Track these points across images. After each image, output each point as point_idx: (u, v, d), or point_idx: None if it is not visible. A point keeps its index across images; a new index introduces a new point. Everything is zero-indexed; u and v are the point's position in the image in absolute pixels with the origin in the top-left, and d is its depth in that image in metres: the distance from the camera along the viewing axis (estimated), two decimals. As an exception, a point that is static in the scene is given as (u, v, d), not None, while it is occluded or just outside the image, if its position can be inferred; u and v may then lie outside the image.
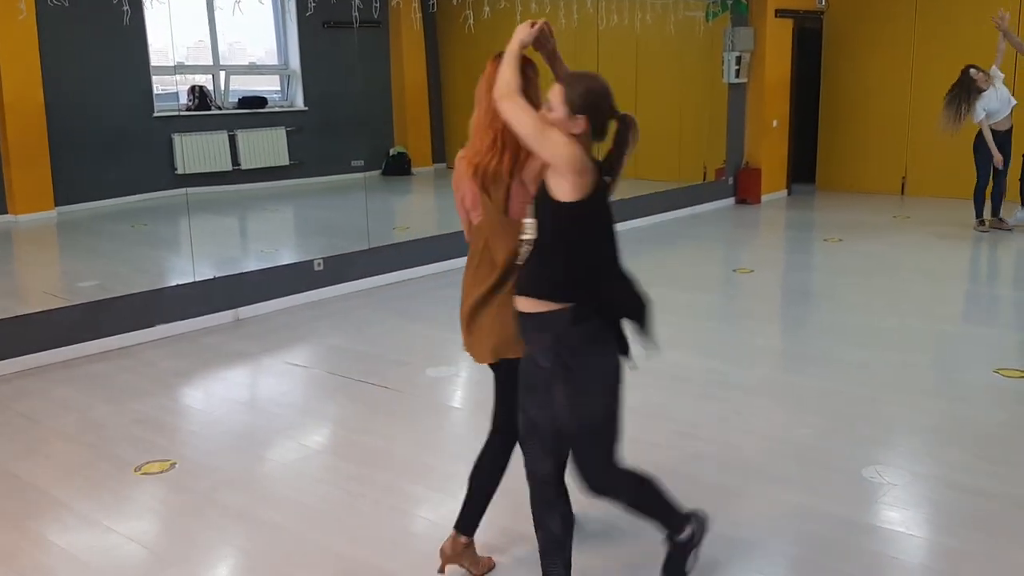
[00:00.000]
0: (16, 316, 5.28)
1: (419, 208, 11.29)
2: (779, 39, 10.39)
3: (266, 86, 11.89)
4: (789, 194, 11.08)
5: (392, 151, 12.00)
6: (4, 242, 8.65)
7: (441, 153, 12.30)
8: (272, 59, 11.78)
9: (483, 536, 2.98)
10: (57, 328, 5.28)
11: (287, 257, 7.67)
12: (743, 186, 10.59)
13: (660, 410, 4.33)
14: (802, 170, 11.33)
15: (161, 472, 3.79)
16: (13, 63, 8.65)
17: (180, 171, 10.04)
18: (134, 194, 9.83)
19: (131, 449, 4.03)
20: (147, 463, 3.87)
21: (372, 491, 3.53)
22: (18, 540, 3.26)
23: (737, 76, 10.20)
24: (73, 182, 9.25)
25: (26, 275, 7.72)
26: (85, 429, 4.30)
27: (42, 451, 4.11)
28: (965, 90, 8.09)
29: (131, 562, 3.12)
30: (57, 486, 3.69)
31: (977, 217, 8.51)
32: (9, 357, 5.07)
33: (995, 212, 8.49)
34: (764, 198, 10.60)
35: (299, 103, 11.57)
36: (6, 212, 8.77)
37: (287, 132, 11.30)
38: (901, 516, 3.30)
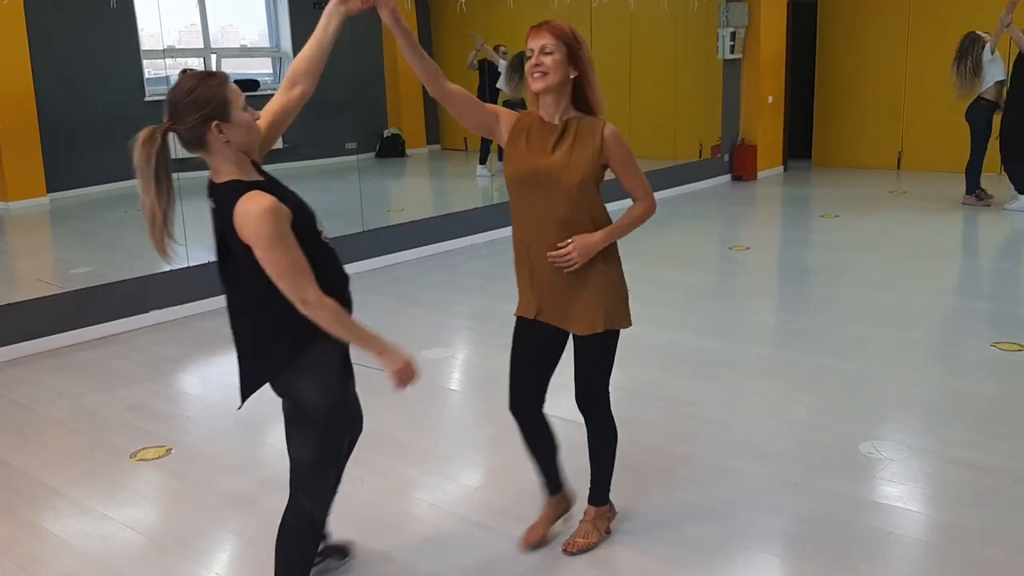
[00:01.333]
0: (8, 304, 5.25)
1: (413, 190, 11.24)
2: (774, 15, 10.32)
3: (258, 68, 11.80)
4: (785, 170, 11.05)
5: (386, 133, 11.93)
6: (-4, 230, 8.61)
7: (435, 134, 12.23)
8: (264, 42, 11.69)
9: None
10: (50, 315, 5.25)
11: (281, 241, 7.61)
12: (739, 163, 10.55)
13: (655, 389, 4.32)
14: (798, 146, 11.30)
15: (156, 458, 3.78)
16: (0, 48, 8.56)
17: (172, 155, 9.97)
18: (127, 180, 9.72)
19: (126, 436, 4.01)
20: (142, 450, 3.85)
21: (369, 474, 3.52)
22: (13, 529, 3.25)
23: (732, 52, 10.13)
24: (65, 168, 9.19)
25: (18, 262, 7.67)
26: (79, 417, 4.28)
27: (36, 439, 4.09)
28: (970, 44, 7.95)
29: (128, 549, 3.11)
30: (51, 474, 3.67)
31: (975, 191, 8.45)
32: (1, 345, 5.05)
33: (978, 185, 8.46)
34: (760, 175, 10.57)
35: (291, 85, 11.49)
36: (-3, 199, 8.73)
37: (280, 115, 11.22)
38: (899, 491, 3.29)
